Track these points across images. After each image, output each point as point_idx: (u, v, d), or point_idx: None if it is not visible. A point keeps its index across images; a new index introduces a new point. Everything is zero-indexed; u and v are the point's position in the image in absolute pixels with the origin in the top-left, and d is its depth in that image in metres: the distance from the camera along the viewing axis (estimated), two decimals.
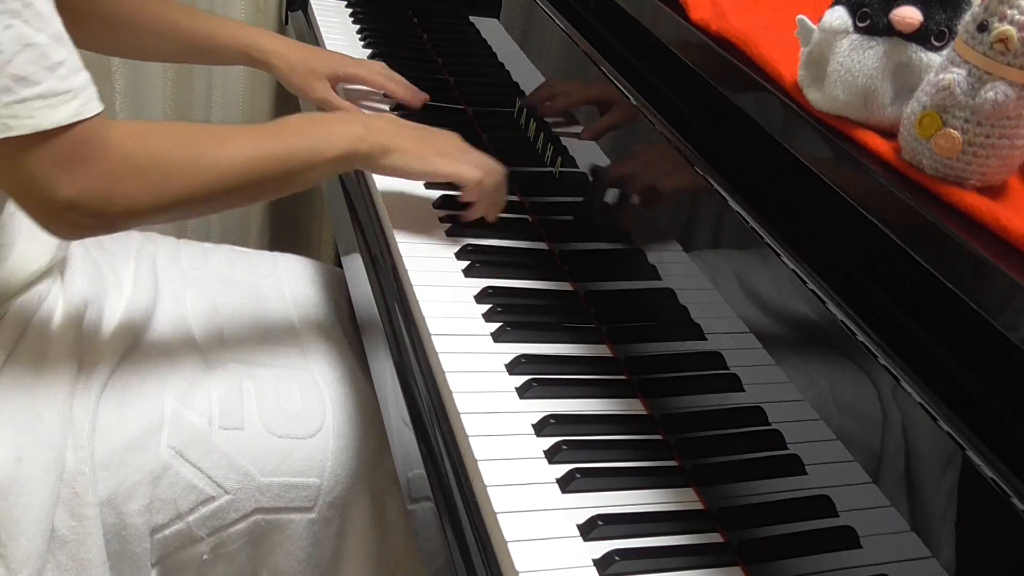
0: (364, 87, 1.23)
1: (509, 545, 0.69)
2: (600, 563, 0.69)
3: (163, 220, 0.86)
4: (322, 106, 1.18)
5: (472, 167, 0.98)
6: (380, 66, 1.24)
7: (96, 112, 0.76)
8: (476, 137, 1.13)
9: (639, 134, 0.90)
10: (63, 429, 0.86)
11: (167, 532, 0.92)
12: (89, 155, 0.76)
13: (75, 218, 0.77)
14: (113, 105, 1.67)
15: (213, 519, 0.93)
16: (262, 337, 1.06)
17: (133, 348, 0.97)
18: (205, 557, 0.94)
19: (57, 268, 0.97)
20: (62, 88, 0.73)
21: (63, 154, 0.74)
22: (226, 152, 0.84)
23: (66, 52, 0.74)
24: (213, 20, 1.15)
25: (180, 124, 0.89)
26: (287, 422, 0.97)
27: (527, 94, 1.16)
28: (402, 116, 1.09)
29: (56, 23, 0.73)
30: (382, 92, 1.23)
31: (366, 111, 1.21)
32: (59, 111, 0.73)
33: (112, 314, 0.98)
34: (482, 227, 1.03)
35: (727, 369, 0.75)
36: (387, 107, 1.24)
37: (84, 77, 0.75)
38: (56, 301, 0.94)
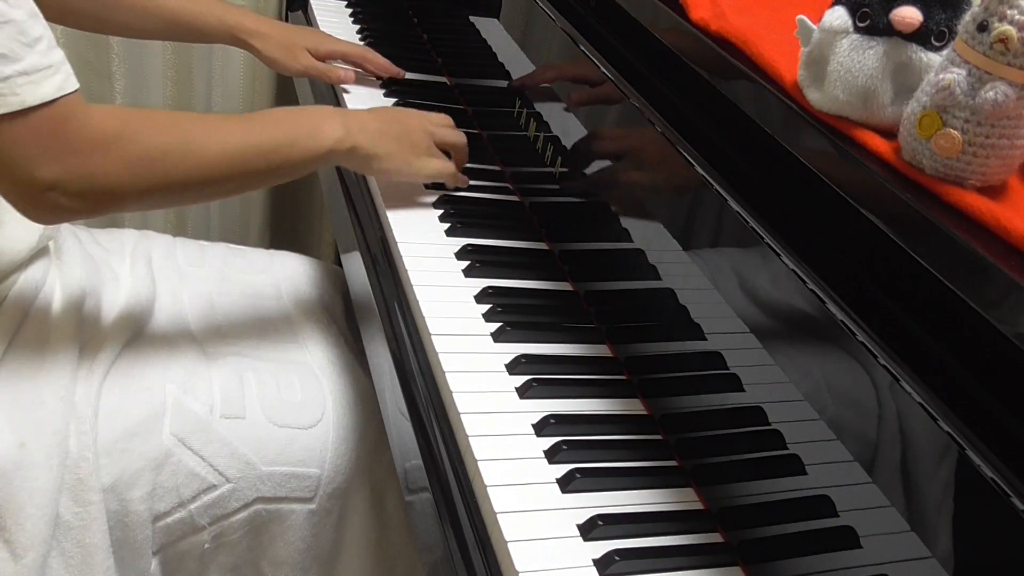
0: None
1: (509, 545, 0.69)
2: (600, 563, 0.69)
3: (149, 206, 0.84)
4: (305, 73, 1.22)
5: (441, 159, 1.03)
6: (363, 47, 1.27)
7: (75, 88, 0.75)
8: (476, 137, 1.13)
9: (639, 134, 0.90)
10: (66, 415, 0.87)
11: (169, 520, 0.92)
12: (70, 133, 0.75)
13: (57, 199, 0.76)
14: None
15: (215, 507, 0.93)
16: (259, 332, 1.06)
17: (134, 337, 0.97)
18: (206, 546, 0.95)
19: (53, 255, 0.97)
20: (44, 63, 0.72)
21: (44, 132, 0.73)
22: (212, 141, 0.83)
23: (42, 28, 0.73)
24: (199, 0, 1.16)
25: (166, 112, 0.88)
26: (288, 412, 0.97)
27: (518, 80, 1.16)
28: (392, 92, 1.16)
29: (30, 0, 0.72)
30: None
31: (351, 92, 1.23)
32: (42, 87, 0.72)
33: (111, 304, 0.98)
34: (481, 225, 1.03)
35: (727, 369, 0.75)
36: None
37: (61, 53, 0.75)
38: (53, 289, 0.94)
